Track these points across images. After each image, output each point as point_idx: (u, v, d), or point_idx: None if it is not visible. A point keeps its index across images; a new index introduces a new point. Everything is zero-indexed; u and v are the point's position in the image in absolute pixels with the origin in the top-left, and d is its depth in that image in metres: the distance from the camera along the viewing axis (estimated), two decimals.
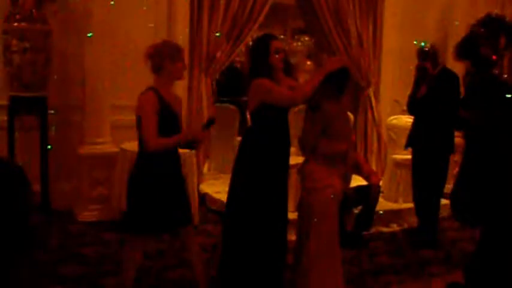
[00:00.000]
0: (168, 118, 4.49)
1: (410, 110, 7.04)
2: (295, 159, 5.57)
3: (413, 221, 7.25)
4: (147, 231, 4.66)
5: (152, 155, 4.45)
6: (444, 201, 7.87)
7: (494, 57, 6.12)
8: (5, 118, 6.81)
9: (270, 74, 4.86)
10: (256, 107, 4.89)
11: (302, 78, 8.97)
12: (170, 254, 6.00)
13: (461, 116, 5.73)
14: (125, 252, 4.86)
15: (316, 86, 4.63)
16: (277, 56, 4.86)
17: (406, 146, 7.09)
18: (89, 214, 7.08)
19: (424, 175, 6.78)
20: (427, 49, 6.89)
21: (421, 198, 6.90)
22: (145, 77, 6.21)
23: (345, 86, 4.92)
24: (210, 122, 4.70)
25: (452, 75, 6.83)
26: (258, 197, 4.87)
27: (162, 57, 4.51)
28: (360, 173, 5.40)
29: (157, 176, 4.50)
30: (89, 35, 6.88)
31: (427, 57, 6.89)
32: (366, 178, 5.88)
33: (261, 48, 4.91)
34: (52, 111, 7.02)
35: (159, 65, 4.52)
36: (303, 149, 4.94)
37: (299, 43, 9.53)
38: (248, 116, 5.19)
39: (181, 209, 4.68)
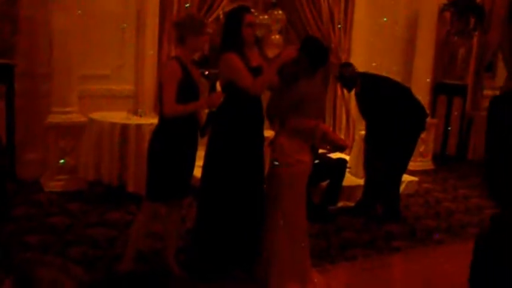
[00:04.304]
0: (189, 86, 4.62)
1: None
2: (270, 132, 5.58)
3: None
4: (169, 198, 4.83)
5: (172, 122, 4.58)
6: (409, 178, 8.00)
7: None
8: None
9: (241, 47, 4.88)
10: (226, 81, 4.94)
11: (270, 52, 8.93)
12: None
13: None
14: (137, 223, 4.93)
15: (273, 76, 4.77)
16: (249, 29, 4.88)
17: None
18: (55, 184, 7.01)
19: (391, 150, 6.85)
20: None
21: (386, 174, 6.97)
22: (115, 46, 6.19)
23: (321, 65, 4.94)
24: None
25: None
26: (233, 170, 4.90)
27: (185, 30, 4.63)
28: (328, 142, 5.42)
29: (176, 144, 4.64)
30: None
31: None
32: (334, 146, 5.90)
33: (234, 20, 4.93)
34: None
35: (182, 36, 4.65)
36: (270, 120, 4.97)
37: (265, 16, 9.47)
38: (219, 89, 5.19)
39: (189, 179, 4.88)
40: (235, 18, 4.93)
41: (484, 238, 3.31)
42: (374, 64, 8.49)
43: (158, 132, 4.73)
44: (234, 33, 4.89)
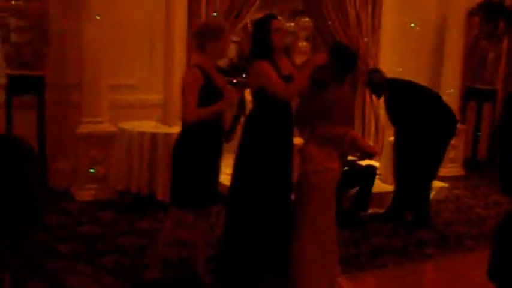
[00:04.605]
0: (213, 93, 4.60)
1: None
2: (300, 139, 5.59)
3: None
4: (195, 206, 4.83)
5: (195, 129, 4.58)
6: (440, 184, 7.94)
7: None
8: (3, 97, 6.81)
9: (271, 54, 4.92)
10: (256, 89, 4.97)
11: (297, 59, 8.94)
12: None
13: None
14: (165, 230, 4.94)
15: (304, 82, 4.75)
16: (278, 35, 4.90)
17: None
18: (86, 193, 7.07)
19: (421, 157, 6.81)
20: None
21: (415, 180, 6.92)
22: (144, 56, 6.25)
23: (350, 72, 4.94)
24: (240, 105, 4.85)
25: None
26: (263, 177, 4.94)
27: (204, 37, 4.64)
28: (357, 149, 5.41)
29: (199, 150, 4.63)
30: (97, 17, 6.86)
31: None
32: (363, 153, 5.89)
33: (262, 28, 4.97)
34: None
35: (203, 44, 4.65)
36: (299, 127, 4.98)
37: (292, 24, 9.49)
38: (250, 97, 5.22)
39: (216, 186, 4.88)
40: (262, 26, 4.98)
41: (500, 231, 3.27)
42: (402, 69, 8.44)
43: (181, 139, 4.74)
44: (262, 40, 4.93)
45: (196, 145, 4.63)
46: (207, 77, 4.59)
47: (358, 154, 6.32)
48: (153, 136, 6.74)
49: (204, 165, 4.67)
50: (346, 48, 5.15)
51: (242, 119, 5.00)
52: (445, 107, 6.92)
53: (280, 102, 4.85)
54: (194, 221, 5.08)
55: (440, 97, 7.07)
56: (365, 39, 8.82)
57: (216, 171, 4.81)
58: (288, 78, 4.89)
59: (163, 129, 6.93)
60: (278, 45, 4.96)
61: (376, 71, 7.10)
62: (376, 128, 9.13)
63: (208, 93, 4.57)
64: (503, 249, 3.14)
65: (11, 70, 6.77)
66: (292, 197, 5.00)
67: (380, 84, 6.82)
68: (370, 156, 5.93)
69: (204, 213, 4.97)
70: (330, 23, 8.60)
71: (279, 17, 5.64)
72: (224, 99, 4.67)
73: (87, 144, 7.07)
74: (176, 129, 6.77)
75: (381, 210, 7.17)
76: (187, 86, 4.60)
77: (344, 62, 4.79)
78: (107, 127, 7.12)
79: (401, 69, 7.89)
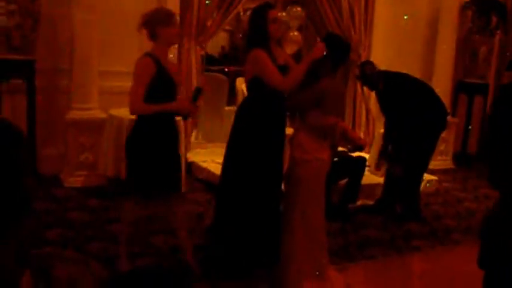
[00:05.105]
0: (165, 82, 4.59)
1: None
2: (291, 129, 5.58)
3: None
4: (142, 194, 4.80)
5: (147, 119, 4.55)
6: (430, 177, 7.94)
7: None
8: None
9: (267, 44, 4.88)
10: (252, 77, 4.94)
11: (288, 49, 8.91)
12: (155, 220, 6.00)
13: None
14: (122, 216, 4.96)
15: (303, 73, 4.70)
16: (274, 25, 4.89)
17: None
18: (75, 180, 7.04)
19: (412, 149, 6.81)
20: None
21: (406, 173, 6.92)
22: (135, 43, 6.22)
23: (343, 63, 4.93)
24: (197, 93, 4.70)
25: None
26: (255, 167, 4.91)
27: (155, 24, 4.58)
28: (347, 140, 5.41)
29: (151, 140, 4.59)
30: None
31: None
32: (354, 146, 5.89)
33: (259, 17, 4.95)
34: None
35: (153, 32, 4.60)
36: (290, 116, 4.97)
37: (284, 13, 9.47)
38: (240, 86, 5.21)
39: (173, 175, 4.80)
40: (260, 15, 4.95)
41: (488, 223, 3.29)
42: (394, 62, 8.44)
43: (133, 128, 4.71)
44: (259, 29, 4.90)
45: (147, 134, 4.60)
46: (159, 66, 4.55)
47: (349, 146, 6.33)
48: None
49: (154, 154, 4.61)
50: (339, 38, 5.15)
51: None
52: (436, 99, 6.92)
53: (274, 91, 4.82)
54: (165, 210, 5.04)
55: (431, 89, 7.07)
56: (357, 30, 8.80)
57: (169, 159, 4.75)
58: (283, 69, 4.87)
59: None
60: (274, 35, 4.94)
61: (369, 63, 7.08)
62: (367, 119, 9.13)
63: (160, 83, 4.54)
64: (490, 240, 3.16)
65: (0, 54, 6.71)
66: (282, 187, 5.00)
67: (373, 76, 6.81)
68: (360, 148, 5.93)
69: (161, 202, 4.93)
70: (322, 12, 8.58)
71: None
72: (174, 104, 4.63)
73: (76, 131, 7.03)
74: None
75: (371, 202, 7.18)
76: (136, 76, 4.56)
77: (337, 53, 4.78)
78: (97, 113, 7.07)
79: (395, 62, 7.86)
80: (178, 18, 4.76)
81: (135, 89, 4.50)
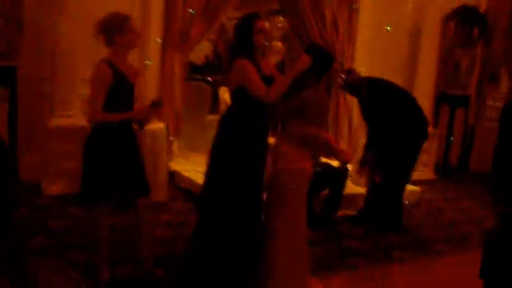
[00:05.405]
0: (122, 88, 4.55)
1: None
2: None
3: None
4: (98, 202, 4.69)
5: (104, 126, 4.52)
6: (412, 187, 7.96)
7: None
8: None
9: (252, 53, 4.88)
10: (236, 87, 4.94)
11: (272, 59, 8.92)
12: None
13: None
14: (92, 226, 4.86)
15: (286, 86, 4.67)
16: (260, 35, 4.89)
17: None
18: (56, 187, 6.99)
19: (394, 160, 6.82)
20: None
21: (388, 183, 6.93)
22: None
23: (326, 73, 4.93)
24: (154, 105, 4.65)
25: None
26: (237, 176, 4.90)
27: (111, 32, 4.56)
28: (330, 152, 5.41)
29: (108, 147, 4.55)
30: None
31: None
32: (336, 157, 5.90)
33: (245, 27, 4.94)
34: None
35: (110, 39, 4.57)
36: (273, 125, 4.96)
37: (267, 23, 9.50)
38: (223, 95, 5.20)
39: (134, 181, 4.74)
40: (246, 25, 4.95)
41: (494, 234, 3.34)
42: (377, 72, 8.46)
43: (90, 135, 4.66)
44: (245, 39, 4.90)
45: (104, 142, 4.56)
46: (116, 72, 4.51)
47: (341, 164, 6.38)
48: None
49: (111, 163, 4.56)
50: (322, 49, 5.15)
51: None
52: (417, 107, 6.95)
53: (258, 101, 4.80)
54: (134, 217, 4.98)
55: (412, 97, 7.11)
56: (341, 41, 8.82)
57: (126, 169, 4.67)
58: (268, 79, 4.86)
59: (135, 125, 6.86)
60: (260, 45, 4.93)
61: (351, 71, 7.09)
62: (350, 130, 9.14)
63: (118, 88, 4.50)
64: (493, 252, 3.22)
65: None
66: (264, 197, 4.99)
67: (356, 83, 6.81)
68: (345, 163, 5.96)
69: (106, 210, 4.80)
70: (305, 22, 8.58)
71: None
72: (133, 113, 4.62)
73: (58, 138, 6.98)
74: (149, 124, 6.76)
75: (352, 212, 7.18)
76: (93, 84, 4.52)
77: (321, 64, 4.78)
78: (79, 121, 7.03)
79: (378, 72, 7.86)
80: (134, 22, 4.69)
81: (94, 98, 4.46)
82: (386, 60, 9.26)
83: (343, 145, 8.96)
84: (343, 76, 7.10)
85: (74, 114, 7.04)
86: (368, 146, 7.00)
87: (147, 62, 7.29)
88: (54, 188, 6.99)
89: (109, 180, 4.56)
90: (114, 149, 4.57)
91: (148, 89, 7.60)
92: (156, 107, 4.64)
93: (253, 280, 4.87)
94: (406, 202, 7.30)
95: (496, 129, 9.77)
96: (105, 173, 4.54)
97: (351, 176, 7.55)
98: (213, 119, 8.19)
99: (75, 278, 4.73)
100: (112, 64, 4.51)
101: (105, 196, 4.63)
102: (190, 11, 7.72)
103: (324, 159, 6.85)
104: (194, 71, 10.56)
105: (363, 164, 7.00)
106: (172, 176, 7.79)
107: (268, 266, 4.76)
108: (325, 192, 6.93)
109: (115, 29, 4.53)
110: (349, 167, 7.38)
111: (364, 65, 8.83)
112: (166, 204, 6.96)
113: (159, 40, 7.49)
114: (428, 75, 9.62)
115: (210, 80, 10.98)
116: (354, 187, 7.64)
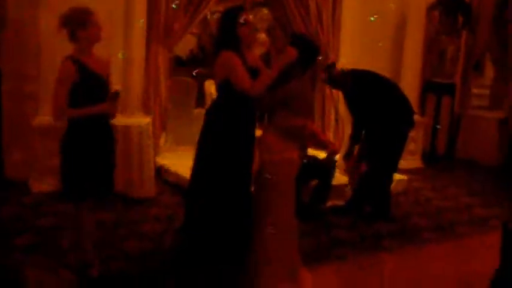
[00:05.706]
0: (91, 83, 4.47)
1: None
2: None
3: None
4: (78, 198, 4.65)
5: (77, 122, 4.46)
6: (399, 176, 7.98)
7: None
8: None
9: (238, 46, 4.89)
10: (221, 80, 4.93)
11: (256, 50, 8.91)
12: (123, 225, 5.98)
13: None
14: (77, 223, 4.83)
15: (272, 79, 4.66)
16: (244, 28, 4.90)
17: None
18: (43, 185, 6.97)
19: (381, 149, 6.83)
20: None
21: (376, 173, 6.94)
22: (102, 48, 6.16)
23: (311, 64, 4.93)
24: (113, 96, 4.56)
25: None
26: (224, 169, 4.91)
27: (74, 26, 4.46)
28: (317, 143, 5.42)
29: (82, 143, 4.50)
30: None
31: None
32: (323, 148, 5.91)
33: (229, 20, 4.95)
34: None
35: (72, 32, 4.48)
36: (259, 116, 4.97)
37: (251, 16, 9.49)
38: (209, 88, 5.19)
39: (104, 179, 4.70)
40: (229, 18, 4.96)
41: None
42: (362, 62, 8.47)
43: (66, 131, 4.59)
44: (229, 32, 4.91)
45: (77, 137, 4.51)
46: (82, 67, 4.42)
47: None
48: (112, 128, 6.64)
49: (84, 159, 4.52)
50: (307, 40, 5.14)
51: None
52: (402, 96, 6.96)
53: (243, 94, 4.80)
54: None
55: (397, 86, 7.12)
56: (325, 32, 8.82)
57: (99, 165, 4.62)
58: (254, 71, 4.86)
59: (121, 120, 6.84)
60: (245, 38, 4.94)
61: (332, 65, 7.11)
62: (336, 121, 9.15)
63: (86, 84, 4.43)
64: None
65: None
66: (252, 188, 4.99)
67: (339, 76, 6.82)
68: (334, 154, 5.96)
69: (87, 206, 4.75)
70: (289, 13, 8.57)
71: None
72: (103, 106, 4.50)
73: (43, 136, 6.96)
74: (135, 121, 6.75)
75: (341, 203, 7.19)
76: (57, 81, 4.44)
77: (306, 55, 4.78)
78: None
79: (363, 63, 7.87)
80: (96, 16, 4.61)
81: (55, 95, 4.40)
82: (371, 50, 9.27)
83: (330, 136, 8.98)
84: (324, 73, 7.09)
85: None
86: (353, 138, 7.00)
87: (119, 55, 7.25)
88: (41, 185, 6.98)
89: (85, 176, 4.52)
90: (89, 144, 4.51)
91: (133, 84, 7.60)
92: (112, 99, 4.54)
93: (241, 273, 4.88)
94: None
95: (481, 117, 9.84)
96: (81, 168, 4.50)
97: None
98: (199, 112, 8.19)
99: (65, 275, 4.74)
100: (76, 59, 4.42)
101: (84, 192, 4.59)
102: (173, 6, 7.71)
103: (311, 152, 6.85)
104: (179, 64, 10.55)
105: (347, 156, 7.01)
106: (160, 170, 7.78)
107: (260, 259, 4.75)
108: (314, 182, 6.94)
109: (77, 24, 4.44)
110: (337, 157, 7.40)
111: (350, 55, 8.85)
112: (155, 198, 6.96)
113: (120, 55, 7.42)
114: (414, 64, 9.63)
115: (195, 74, 10.98)
116: (342, 177, 7.65)
